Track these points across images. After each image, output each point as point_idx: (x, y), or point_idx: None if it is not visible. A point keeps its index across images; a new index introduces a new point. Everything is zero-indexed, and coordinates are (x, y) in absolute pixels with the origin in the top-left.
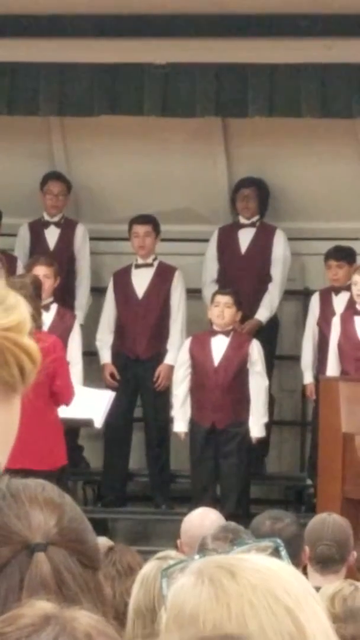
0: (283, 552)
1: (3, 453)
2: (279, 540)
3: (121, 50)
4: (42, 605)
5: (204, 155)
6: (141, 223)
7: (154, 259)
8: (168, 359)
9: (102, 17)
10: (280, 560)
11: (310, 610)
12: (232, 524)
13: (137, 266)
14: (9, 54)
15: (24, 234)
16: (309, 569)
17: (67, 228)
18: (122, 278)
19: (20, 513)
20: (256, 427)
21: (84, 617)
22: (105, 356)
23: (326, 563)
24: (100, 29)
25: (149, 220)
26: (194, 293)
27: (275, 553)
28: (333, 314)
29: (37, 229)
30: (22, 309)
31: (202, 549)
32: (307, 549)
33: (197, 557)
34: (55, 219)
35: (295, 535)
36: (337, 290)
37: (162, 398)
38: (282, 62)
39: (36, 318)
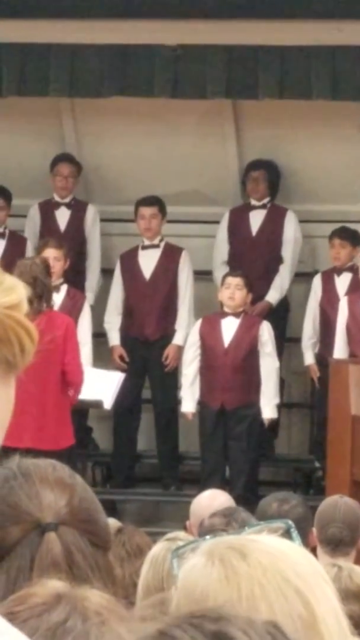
0: (294, 534)
1: (1, 431)
2: (290, 522)
3: (132, 31)
4: (54, 585)
5: (214, 137)
6: (147, 205)
7: (161, 240)
8: (176, 340)
9: None
10: (291, 541)
11: (320, 592)
12: (232, 506)
13: (144, 247)
14: (20, 35)
15: (34, 215)
16: (319, 550)
17: (78, 209)
18: (129, 260)
19: (31, 493)
20: (268, 408)
21: (95, 596)
22: (114, 338)
23: (337, 545)
24: (111, 11)
25: (155, 201)
26: (203, 275)
27: (286, 534)
28: (336, 295)
29: (48, 209)
30: (20, 289)
31: (202, 528)
32: (314, 530)
33: (208, 537)
34: (66, 200)
35: (302, 517)
36: (340, 271)
37: (171, 379)
38: (293, 44)
39: (47, 298)
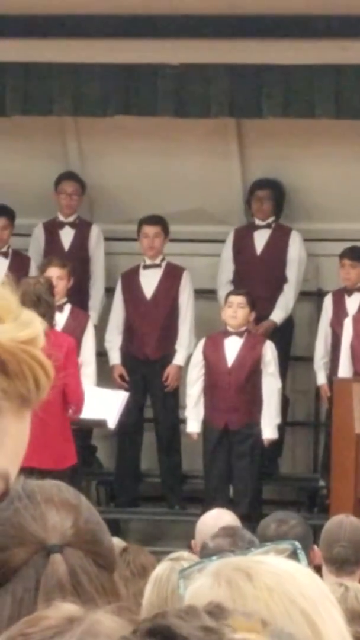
0: (301, 555)
1: (14, 465)
2: (296, 543)
3: (135, 50)
4: (67, 607)
5: (218, 155)
6: (151, 224)
7: (162, 260)
8: (177, 360)
9: (116, 18)
10: (297, 562)
11: (326, 614)
12: (233, 525)
13: (146, 267)
14: (24, 54)
15: (39, 234)
16: (324, 569)
17: (82, 229)
18: (131, 279)
19: (36, 514)
20: (268, 428)
21: (108, 620)
22: (115, 357)
23: (342, 564)
24: (114, 30)
25: (158, 220)
26: (207, 294)
27: (293, 555)
28: (346, 315)
29: (52, 229)
30: (37, 324)
31: (204, 550)
32: (315, 548)
33: (214, 558)
34: (70, 219)
35: (302, 536)
36: (350, 292)
37: (172, 399)
38: (297, 63)
39: (50, 317)
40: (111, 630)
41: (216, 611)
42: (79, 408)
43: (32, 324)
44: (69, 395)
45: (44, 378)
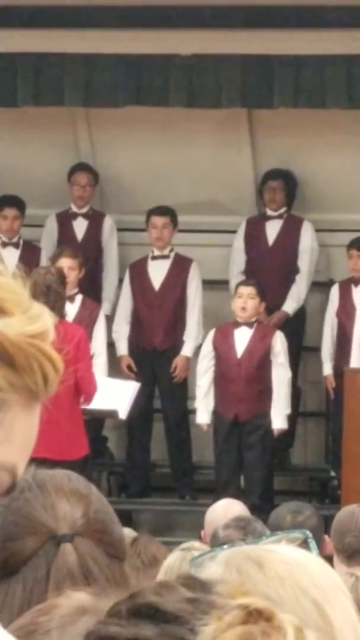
0: (312, 544)
1: (22, 459)
2: (307, 532)
3: (147, 41)
4: (78, 596)
5: (230, 146)
6: (159, 214)
7: (171, 251)
8: (185, 351)
9: (128, 8)
10: (308, 552)
11: (338, 603)
12: (246, 516)
13: (154, 258)
14: (35, 45)
15: (52, 225)
16: (335, 559)
17: (95, 219)
18: (139, 270)
19: (46, 504)
20: (278, 418)
21: None
22: (122, 348)
23: (353, 554)
24: (126, 20)
25: (167, 211)
26: (217, 284)
27: (304, 545)
28: (353, 305)
29: (65, 220)
30: (46, 317)
31: (215, 539)
32: (326, 538)
33: (226, 547)
34: (83, 210)
35: (316, 527)
36: (358, 282)
37: (180, 389)
38: (308, 54)
39: (60, 308)
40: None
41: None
42: (89, 398)
43: (42, 318)
44: (81, 387)
45: (53, 373)
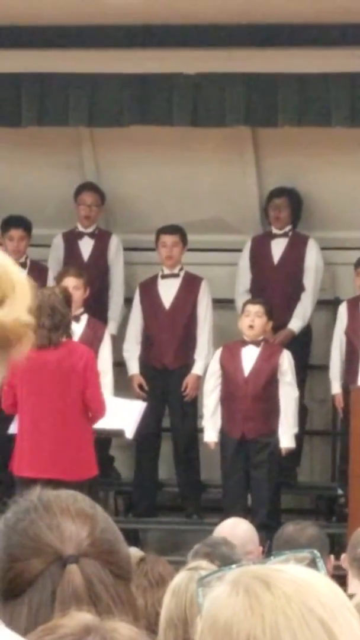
0: (320, 564)
1: None
2: (316, 552)
3: (151, 60)
4: (83, 617)
5: (234, 165)
6: (169, 233)
7: (180, 269)
8: (195, 369)
9: (131, 28)
10: (316, 571)
11: (345, 623)
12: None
13: (164, 276)
14: (39, 65)
15: (58, 245)
16: (349, 575)
17: (101, 239)
18: (149, 288)
19: (52, 524)
20: (285, 437)
21: (124, 629)
22: (133, 367)
23: None
24: (129, 40)
25: (176, 230)
26: (224, 303)
27: (312, 564)
28: None
29: (71, 239)
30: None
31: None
32: (332, 558)
33: (234, 566)
34: (89, 229)
35: (316, 538)
36: None
37: (190, 408)
38: (312, 72)
39: (65, 328)
40: (127, 639)
41: None
42: (97, 418)
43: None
44: (90, 408)
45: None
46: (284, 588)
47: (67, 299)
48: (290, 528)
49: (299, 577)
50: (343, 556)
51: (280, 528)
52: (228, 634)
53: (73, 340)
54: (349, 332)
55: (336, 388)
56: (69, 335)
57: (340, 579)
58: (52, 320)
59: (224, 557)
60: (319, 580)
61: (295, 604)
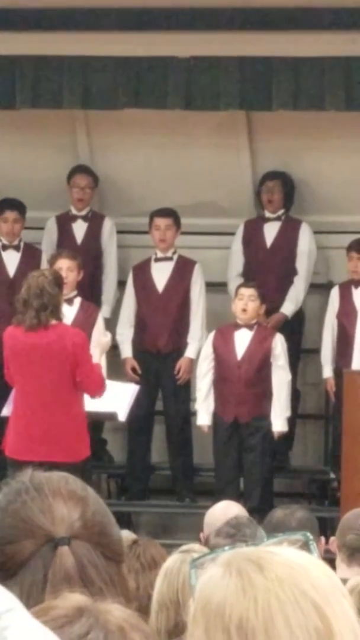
0: (312, 546)
1: None
2: (309, 534)
3: (145, 43)
4: (76, 598)
5: (228, 148)
6: (162, 216)
7: (174, 253)
8: (188, 353)
9: (126, 11)
10: (309, 554)
11: (338, 606)
12: (237, 517)
13: (157, 260)
14: (33, 47)
15: (52, 227)
16: (338, 558)
17: (95, 222)
18: (142, 272)
19: (43, 506)
20: (278, 421)
21: (117, 611)
22: (126, 350)
23: (353, 553)
24: (124, 23)
25: (170, 213)
26: (217, 287)
27: (305, 547)
28: (353, 307)
29: (65, 222)
30: None
31: (207, 545)
32: (323, 540)
33: (227, 548)
34: (83, 212)
35: (306, 521)
36: (358, 284)
37: (183, 391)
38: (306, 56)
39: (54, 309)
40: (120, 621)
41: None
42: (97, 395)
43: None
44: (85, 389)
45: None
46: (276, 571)
47: (59, 281)
48: (279, 512)
49: (292, 560)
50: (332, 539)
51: (269, 513)
52: (220, 616)
53: (64, 323)
54: (341, 316)
55: (327, 372)
56: (59, 318)
57: (332, 562)
58: (40, 300)
59: (248, 538)
60: (312, 563)
61: (288, 587)
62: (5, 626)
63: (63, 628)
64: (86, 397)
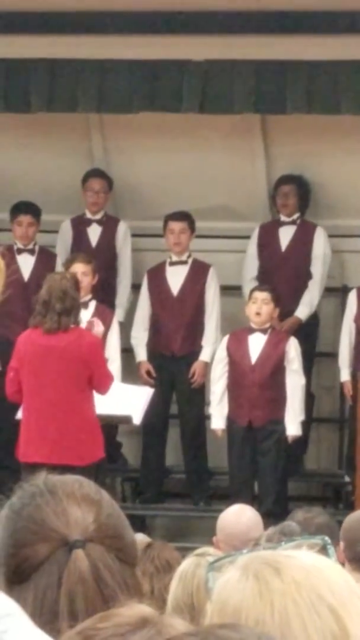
0: (330, 550)
1: None
2: (326, 538)
3: (160, 47)
4: (141, 608)
5: (243, 152)
6: (177, 220)
7: (188, 256)
8: (203, 356)
9: (141, 14)
10: (327, 558)
11: (354, 610)
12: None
13: (172, 263)
14: (48, 51)
15: (66, 231)
16: (347, 567)
17: (109, 225)
18: (157, 275)
19: (58, 510)
20: (292, 425)
21: (179, 625)
22: (141, 354)
23: None
24: (139, 26)
25: (184, 217)
26: (231, 290)
27: (323, 551)
28: None
29: (79, 226)
30: None
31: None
32: (342, 544)
33: (244, 551)
34: (97, 216)
35: (326, 525)
36: None
37: (198, 395)
38: (321, 59)
39: (76, 313)
40: (182, 635)
41: None
42: (103, 393)
43: None
44: (99, 389)
45: None
46: (293, 574)
47: (77, 285)
48: (299, 515)
49: (309, 563)
50: (342, 546)
51: (289, 515)
52: (237, 619)
53: (80, 327)
54: (358, 320)
55: (345, 375)
56: (77, 322)
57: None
58: (63, 304)
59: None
60: (329, 567)
61: (304, 591)
62: (4, 630)
63: (125, 636)
64: (101, 400)
